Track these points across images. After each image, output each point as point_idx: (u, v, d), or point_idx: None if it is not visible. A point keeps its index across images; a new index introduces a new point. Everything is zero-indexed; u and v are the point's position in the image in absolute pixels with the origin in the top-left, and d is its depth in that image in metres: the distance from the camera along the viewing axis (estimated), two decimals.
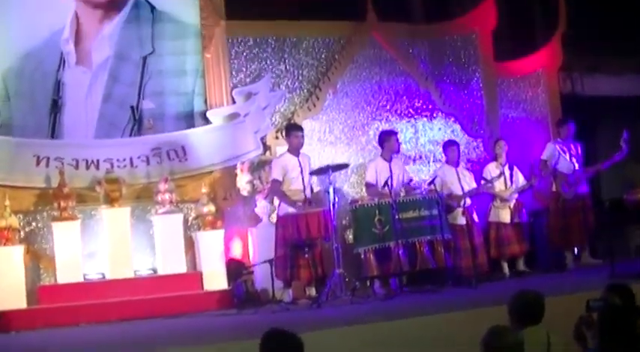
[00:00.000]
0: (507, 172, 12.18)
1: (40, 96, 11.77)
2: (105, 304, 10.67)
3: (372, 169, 11.30)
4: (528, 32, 14.53)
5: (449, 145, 12.10)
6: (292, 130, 11.16)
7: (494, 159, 12.35)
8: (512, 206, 12.09)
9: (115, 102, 11.98)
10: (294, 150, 10.98)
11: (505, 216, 12.04)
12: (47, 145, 11.59)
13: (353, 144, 12.86)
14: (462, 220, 11.51)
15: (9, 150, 11.40)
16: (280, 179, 10.79)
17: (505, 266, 12.05)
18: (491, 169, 12.15)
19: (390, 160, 11.37)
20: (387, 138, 11.47)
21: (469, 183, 11.82)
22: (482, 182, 11.88)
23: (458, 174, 11.78)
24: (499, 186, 12.04)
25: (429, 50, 13.80)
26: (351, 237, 11.58)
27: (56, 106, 11.81)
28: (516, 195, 12.16)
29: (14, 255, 10.88)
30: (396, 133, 11.76)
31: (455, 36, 13.78)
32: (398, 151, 11.77)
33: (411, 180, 11.68)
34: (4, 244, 10.89)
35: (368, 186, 11.32)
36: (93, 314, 10.48)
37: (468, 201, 11.63)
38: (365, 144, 12.79)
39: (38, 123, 11.74)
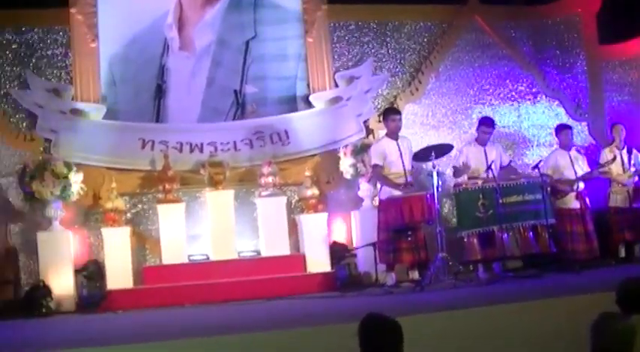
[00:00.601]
0: (625, 156, 11.94)
1: (144, 81, 12.02)
2: (208, 285, 10.82)
3: (463, 154, 11.19)
4: (633, 14, 14.20)
5: (561, 129, 11.91)
6: (389, 114, 11.11)
7: (610, 143, 12.13)
8: (630, 190, 11.86)
9: (218, 87, 12.15)
10: (392, 133, 10.93)
11: (623, 201, 11.84)
12: (152, 129, 11.84)
13: (456, 128, 12.82)
14: (575, 204, 11.36)
15: (115, 133, 11.70)
16: (380, 163, 10.75)
17: (622, 250, 11.85)
18: (607, 153, 11.94)
19: (484, 144, 11.25)
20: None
21: (582, 166, 11.63)
22: (598, 166, 11.67)
23: (571, 158, 11.61)
24: (616, 170, 11.84)
25: (531, 33, 13.66)
26: (454, 220, 11.49)
27: (160, 91, 12.03)
28: (636, 179, 11.91)
29: (121, 236, 11.17)
30: (492, 123, 11.54)
31: (557, 18, 13.57)
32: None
33: (510, 163, 11.53)
34: (111, 225, 11.17)
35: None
36: (197, 295, 10.65)
37: (581, 185, 11.46)
38: (468, 128, 12.71)
39: (143, 107, 11.98)
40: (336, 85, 12.37)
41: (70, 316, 10.59)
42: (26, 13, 11.82)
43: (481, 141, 11.26)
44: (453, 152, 11.12)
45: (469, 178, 11.04)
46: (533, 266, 11.05)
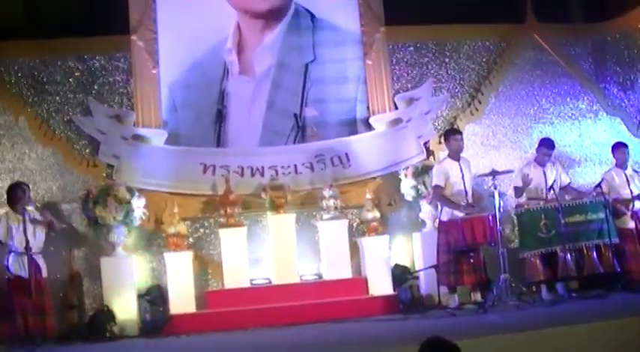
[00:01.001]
0: None
1: (205, 106, 12.15)
2: (271, 309, 10.87)
3: (522, 174, 11.12)
4: None
5: (618, 147, 11.79)
6: (451, 134, 11.10)
7: None
8: None
9: (278, 110, 12.22)
10: (455, 154, 10.92)
11: None
12: (213, 153, 11.96)
13: (516, 147, 12.75)
14: (631, 224, 11.24)
15: (177, 158, 11.83)
16: (442, 185, 10.74)
17: None
18: None
19: (543, 165, 11.18)
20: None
21: (638, 185, 11.50)
22: None
23: (627, 177, 11.49)
24: None
25: (590, 50, 13.57)
26: (516, 241, 11.42)
27: (221, 115, 12.14)
28: None
29: (183, 261, 11.29)
30: (552, 144, 11.46)
31: (617, 35, 13.43)
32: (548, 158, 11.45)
33: (570, 183, 11.44)
34: (174, 250, 11.30)
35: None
36: (259, 318, 10.72)
37: (638, 204, 11.33)
38: (528, 148, 12.62)
39: (204, 132, 12.10)
40: (396, 107, 12.39)
41: (134, 340, 10.73)
42: (88, 41, 12.05)
43: (540, 162, 11.21)
44: (514, 174, 11.09)
45: (530, 199, 10.97)
46: (592, 287, 10.90)
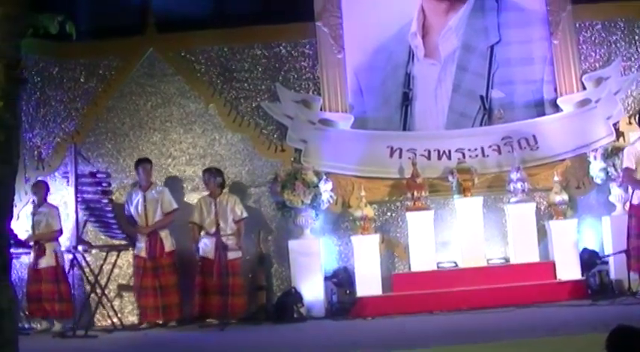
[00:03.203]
0: None
1: (391, 89, 12.41)
2: (457, 292, 11.03)
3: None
4: None
5: None
6: None
7: None
8: None
9: (465, 93, 12.33)
10: None
11: None
12: (400, 137, 12.21)
13: None
14: None
15: (363, 142, 12.17)
16: (633, 167, 10.52)
17: None
18: None
19: None
20: None
21: None
22: None
23: None
24: None
25: None
26: None
27: (407, 99, 12.35)
28: None
29: (370, 244, 11.60)
30: None
31: None
32: None
33: None
34: (361, 233, 11.58)
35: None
36: (445, 302, 10.92)
37: None
38: None
39: (390, 115, 12.37)
40: (584, 87, 12.23)
41: (321, 322, 11.12)
42: (274, 29, 12.50)
43: None
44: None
45: None
46: None
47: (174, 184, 12.23)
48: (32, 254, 11.63)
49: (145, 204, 11.62)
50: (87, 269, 11.57)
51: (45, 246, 11.57)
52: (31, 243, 11.66)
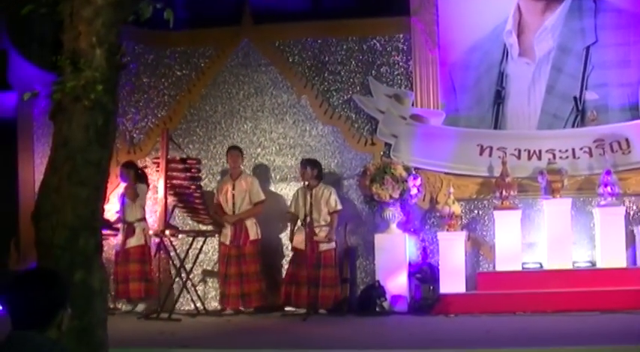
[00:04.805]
0: None
1: (484, 88, 12.44)
2: (541, 294, 11.02)
3: None
4: None
5: None
6: None
7: None
8: None
9: (558, 94, 12.28)
10: None
11: None
12: (491, 135, 12.24)
13: None
14: None
15: (454, 139, 12.22)
16: None
17: None
18: None
19: None
20: None
21: None
22: None
23: None
24: None
25: None
26: None
27: (499, 97, 12.36)
28: None
29: (456, 241, 11.66)
30: None
31: None
32: None
33: None
34: (447, 230, 11.64)
35: None
36: (529, 303, 10.92)
37: None
38: None
39: (482, 113, 12.40)
40: None
41: (403, 317, 11.17)
42: (369, 22, 12.61)
43: None
44: None
45: None
46: None
47: (262, 173, 12.44)
48: (121, 235, 11.89)
49: (234, 192, 11.80)
50: (173, 254, 11.81)
51: (134, 225, 11.81)
52: (120, 225, 11.95)
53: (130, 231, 11.84)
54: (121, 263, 11.86)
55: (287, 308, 11.59)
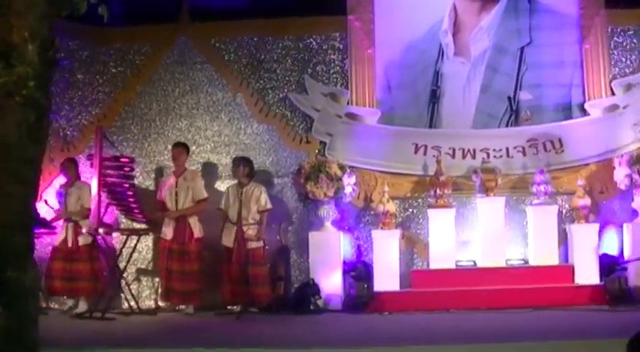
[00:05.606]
0: None
1: (419, 87, 12.56)
2: (475, 292, 11.13)
3: None
4: None
5: None
6: None
7: None
8: None
9: (493, 94, 12.43)
10: None
11: None
12: (426, 134, 12.35)
13: None
14: None
15: (389, 138, 12.32)
16: None
17: None
18: None
19: None
20: None
21: None
22: None
23: None
24: None
25: None
26: None
27: (435, 96, 12.48)
28: None
29: (390, 239, 11.78)
30: None
31: None
32: None
33: None
34: (382, 228, 11.71)
35: None
36: (462, 301, 11.04)
37: None
38: None
39: (417, 112, 12.51)
40: (613, 93, 12.25)
41: (338, 314, 11.23)
42: (306, 21, 12.67)
43: None
44: None
45: None
46: None
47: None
48: (63, 232, 11.77)
49: (177, 189, 11.74)
50: (107, 252, 11.74)
51: (80, 223, 11.70)
52: (60, 222, 11.83)
53: (74, 229, 11.72)
54: (60, 260, 11.67)
55: (229, 307, 11.57)
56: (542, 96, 12.41)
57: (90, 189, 11.60)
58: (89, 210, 11.59)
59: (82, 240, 11.70)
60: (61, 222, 11.91)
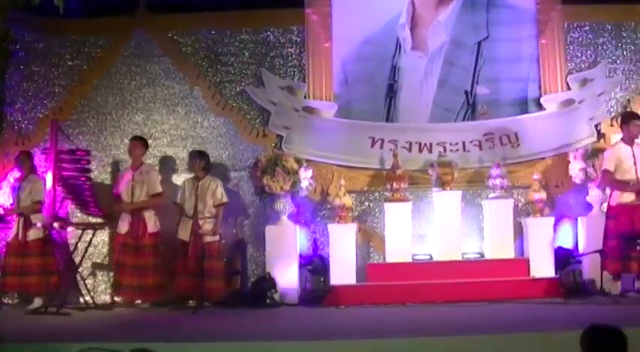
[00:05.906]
0: None
1: (376, 80, 12.56)
2: (431, 285, 11.15)
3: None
4: None
5: None
6: (631, 119, 11.01)
7: None
8: None
9: (450, 88, 12.47)
10: (630, 139, 10.87)
11: None
12: (382, 128, 12.37)
13: None
14: None
15: (346, 131, 12.34)
16: (612, 169, 10.75)
17: None
18: None
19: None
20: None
21: None
22: None
23: None
24: None
25: None
26: None
27: (392, 90, 12.49)
28: None
29: (347, 233, 11.77)
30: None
31: None
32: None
33: None
34: (338, 222, 11.72)
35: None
36: (419, 294, 11.03)
37: None
38: None
39: (374, 106, 12.51)
40: (569, 88, 12.33)
41: (294, 308, 11.24)
42: (264, 14, 12.63)
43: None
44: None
45: None
46: None
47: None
48: (15, 227, 11.65)
49: (133, 183, 11.67)
50: (62, 247, 11.64)
51: (31, 218, 11.59)
52: (13, 216, 11.72)
53: (27, 224, 11.62)
54: (13, 255, 11.58)
55: (184, 302, 11.51)
56: (499, 91, 12.45)
57: (43, 183, 11.47)
58: (40, 203, 11.49)
59: (32, 235, 11.56)
60: (15, 217, 11.80)
